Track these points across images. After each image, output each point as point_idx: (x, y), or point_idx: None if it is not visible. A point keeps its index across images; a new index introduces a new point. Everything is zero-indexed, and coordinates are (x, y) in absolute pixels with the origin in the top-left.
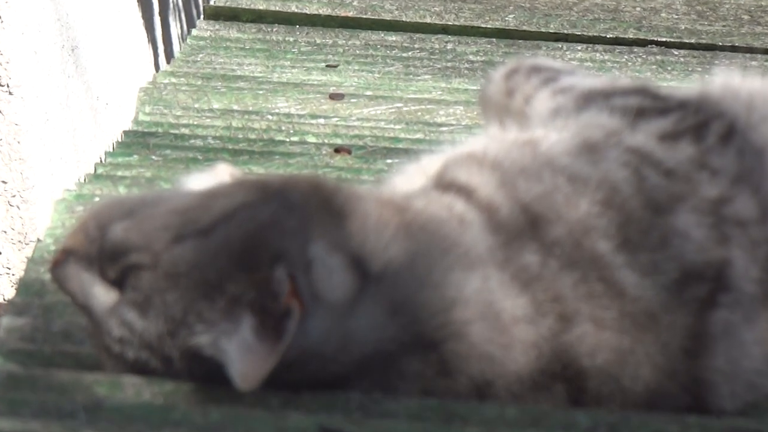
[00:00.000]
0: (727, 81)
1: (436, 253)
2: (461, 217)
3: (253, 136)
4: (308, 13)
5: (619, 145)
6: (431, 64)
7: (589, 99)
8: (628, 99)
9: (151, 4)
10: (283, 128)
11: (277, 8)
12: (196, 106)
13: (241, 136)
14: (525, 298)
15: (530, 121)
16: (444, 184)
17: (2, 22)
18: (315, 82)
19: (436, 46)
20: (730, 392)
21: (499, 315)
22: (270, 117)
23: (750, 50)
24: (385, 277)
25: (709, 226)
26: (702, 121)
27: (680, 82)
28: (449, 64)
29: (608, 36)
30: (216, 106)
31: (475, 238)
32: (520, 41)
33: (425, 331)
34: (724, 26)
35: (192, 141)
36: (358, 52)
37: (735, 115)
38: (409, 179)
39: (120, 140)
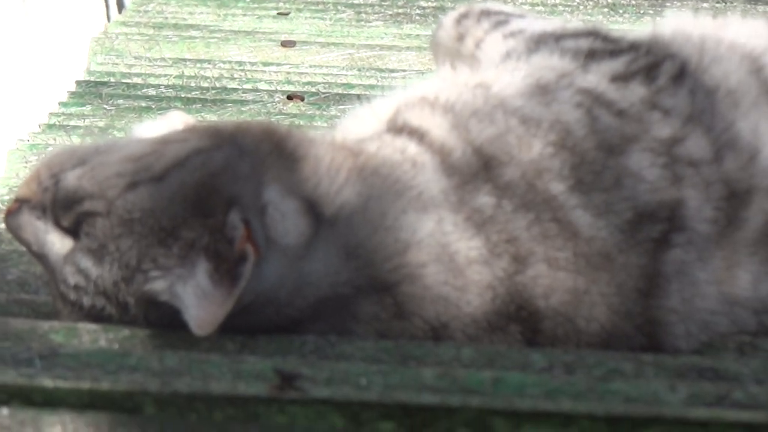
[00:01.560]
0: (679, 23)
1: (389, 196)
2: (414, 159)
3: (205, 85)
4: None
5: (570, 86)
6: (382, 10)
7: (539, 41)
8: (579, 41)
9: None
10: (236, 76)
11: None
12: (148, 55)
13: (193, 84)
14: (479, 240)
15: (481, 64)
16: (396, 127)
17: None
18: (266, 30)
19: None
20: (685, 332)
21: (454, 257)
22: (222, 65)
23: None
24: (338, 221)
25: (662, 166)
26: (653, 62)
27: (632, 25)
28: (400, 10)
29: None
30: (168, 55)
31: (429, 181)
32: None
33: (379, 274)
34: None
35: (144, 90)
36: None
37: (686, 56)
38: (362, 123)
39: (73, 90)
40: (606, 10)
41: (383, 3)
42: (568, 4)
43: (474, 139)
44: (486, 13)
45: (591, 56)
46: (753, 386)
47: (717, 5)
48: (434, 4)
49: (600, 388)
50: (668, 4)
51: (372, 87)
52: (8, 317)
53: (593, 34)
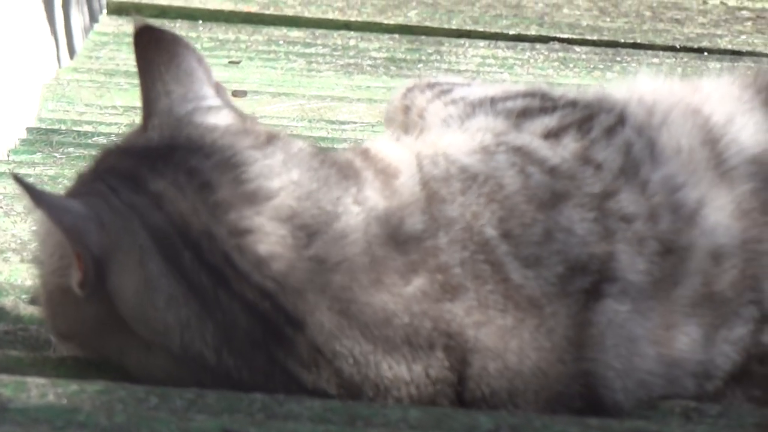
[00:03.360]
0: (638, 84)
1: None
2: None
3: None
4: (211, 8)
5: (504, 145)
6: (333, 60)
7: (477, 106)
8: (515, 101)
9: None
10: None
11: (180, 4)
12: (99, 102)
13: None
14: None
15: (424, 133)
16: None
17: None
18: (218, 79)
19: (339, 42)
20: (623, 387)
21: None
22: None
23: (651, 47)
24: None
25: (593, 221)
26: (588, 114)
27: (582, 80)
28: (351, 61)
29: (510, 33)
30: (119, 102)
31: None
32: (422, 37)
33: None
34: (626, 23)
35: (95, 138)
36: (260, 48)
37: (630, 112)
38: None
39: (24, 137)
40: (557, 64)
41: (334, 53)
42: (519, 57)
43: (424, 174)
44: (431, 85)
45: (523, 115)
46: None
47: (667, 60)
48: (385, 55)
49: None
50: (618, 59)
51: (322, 139)
52: None
53: (531, 94)
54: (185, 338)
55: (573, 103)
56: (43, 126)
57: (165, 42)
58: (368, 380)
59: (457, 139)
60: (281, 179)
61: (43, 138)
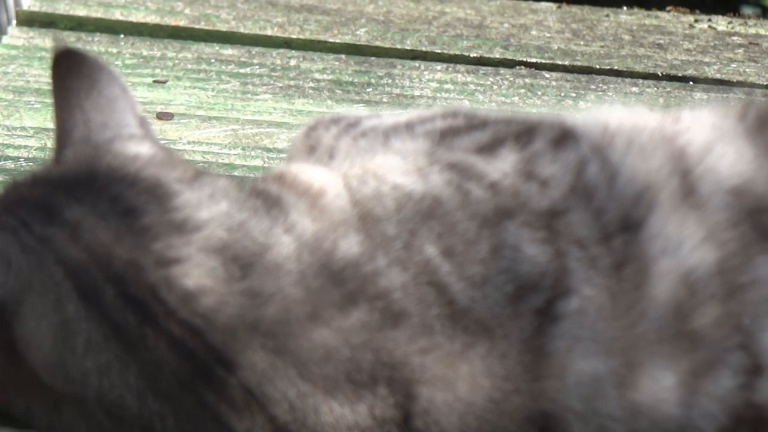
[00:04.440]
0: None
1: None
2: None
3: None
4: (134, 21)
5: (439, 164)
6: (272, 81)
7: (391, 134)
8: (434, 123)
9: None
10: None
11: (99, 15)
12: (7, 123)
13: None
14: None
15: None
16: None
17: None
18: (141, 100)
19: (278, 61)
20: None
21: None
22: None
23: (630, 74)
24: None
25: (542, 241)
26: (527, 128)
27: (552, 108)
28: (292, 83)
29: (471, 55)
30: (29, 123)
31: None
32: (372, 58)
33: None
34: (602, 47)
35: (2, 162)
36: (189, 66)
37: (586, 130)
38: None
39: None
40: (523, 90)
41: (273, 74)
42: (481, 83)
43: (353, 193)
44: (335, 120)
45: (449, 134)
46: None
47: (648, 89)
48: (330, 77)
49: None
50: (593, 86)
51: (257, 168)
52: None
53: (452, 114)
54: (104, 385)
55: (507, 120)
56: None
57: (86, 68)
58: (305, 427)
59: (387, 161)
60: (210, 210)
61: None
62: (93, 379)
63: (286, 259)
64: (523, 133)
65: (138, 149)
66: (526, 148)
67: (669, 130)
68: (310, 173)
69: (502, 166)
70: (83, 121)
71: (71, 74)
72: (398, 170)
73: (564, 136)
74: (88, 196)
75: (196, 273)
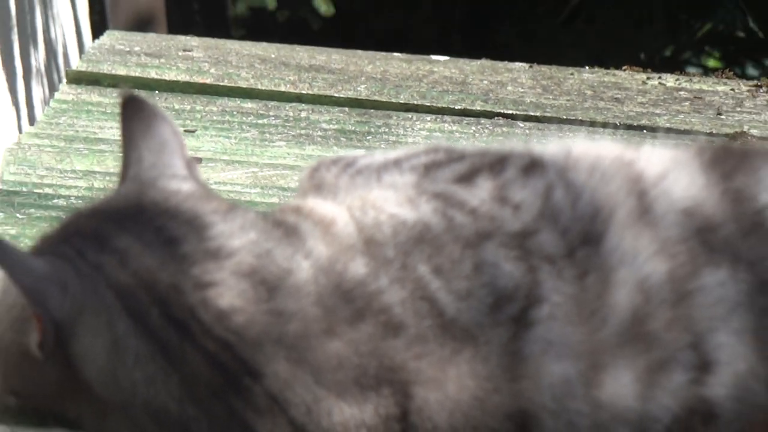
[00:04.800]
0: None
1: None
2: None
3: None
4: (167, 79)
5: (426, 194)
6: (285, 131)
7: (383, 170)
8: (419, 159)
9: (14, 69)
10: None
11: (137, 74)
12: (60, 167)
13: (102, 196)
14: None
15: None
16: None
17: None
18: None
19: (291, 113)
20: (554, 428)
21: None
22: None
23: (592, 123)
24: None
25: (516, 258)
26: (500, 158)
27: None
28: (303, 132)
29: (456, 107)
30: (79, 167)
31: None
32: (371, 110)
33: None
34: (568, 100)
35: (55, 200)
36: (215, 118)
37: (552, 158)
38: None
39: None
40: (501, 138)
41: (286, 124)
42: (464, 131)
43: (357, 220)
44: (335, 161)
45: (433, 167)
46: None
47: (608, 137)
48: (335, 127)
49: None
50: (560, 134)
51: (274, 205)
52: None
53: (433, 150)
54: (150, 393)
55: (482, 153)
56: (5, 188)
57: (145, 113)
58: (320, 428)
59: (382, 194)
60: (241, 239)
61: (5, 199)
62: (141, 389)
63: (306, 283)
64: (496, 162)
65: (180, 186)
66: (499, 176)
67: (628, 157)
68: (322, 206)
69: (480, 193)
70: (137, 160)
71: (133, 117)
72: (393, 201)
73: (533, 165)
74: (135, 227)
75: (229, 295)
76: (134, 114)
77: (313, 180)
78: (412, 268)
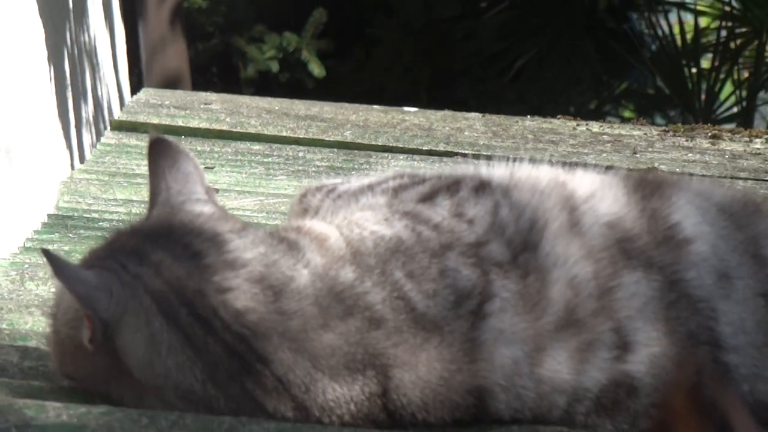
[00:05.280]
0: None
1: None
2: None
3: None
4: (191, 126)
5: (398, 213)
6: (286, 167)
7: (359, 194)
8: (388, 183)
9: (68, 119)
10: None
11: (167, 122)
12: (104, 196)
13: (138, 219)
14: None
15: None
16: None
17: None
18: None
19: (290, 153)
20: (505, 400)
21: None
22: None
23: (534, 161)
24: None
25: (472, 265)
26: (455, 180)
27: None
28: (300, 168)
29: (424, 148)
30: (119, 196)
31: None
32: (355, 151)
33: None
34: (513, 143)
35: (101, 223)
36: (229, 157)
37: (498, 180)
38: None
39: (45, 221)
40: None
41: (287, 162)
42: (430, 167)
43: (345, 236)
44: (319, 188)
45: (400, 190)
46: None
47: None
48: (326, 164)
49: None
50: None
51: (277, 226)
52: None
53: (399, 175)
54: (179, 377)
55: (439, 176)
56: (60, 213)
57: (171, 150)
58: (316, 404)
59: (363, 214)
60: (253, 252)
61: (60, 222)
62: (172, 374)
63: (305, 287)
64: (452, 184)
65: (202, 209)
66: (455, 195)
67: (562, 178)
68: (317, 225)
69: (441, 211)
70: (165, 189)
71: (160, 155)
72: (372, 220)
73: (482, 185)
74: (167, 244)
75: (244, 297)
76: (161, 151)
77: (302, 204)
78: (389, 274)
